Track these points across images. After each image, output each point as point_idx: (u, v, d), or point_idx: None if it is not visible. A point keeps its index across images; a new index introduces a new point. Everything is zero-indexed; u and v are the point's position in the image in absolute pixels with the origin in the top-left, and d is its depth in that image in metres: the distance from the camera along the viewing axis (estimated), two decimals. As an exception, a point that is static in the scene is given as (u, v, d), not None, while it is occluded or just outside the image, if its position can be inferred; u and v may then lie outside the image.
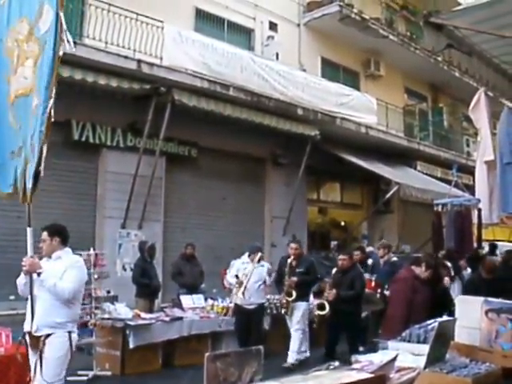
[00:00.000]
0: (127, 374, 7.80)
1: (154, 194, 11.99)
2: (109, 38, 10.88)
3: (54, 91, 4.15)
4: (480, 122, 7.82)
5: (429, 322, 4.12)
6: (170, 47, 11.63)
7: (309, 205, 16.37)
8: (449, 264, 9.48)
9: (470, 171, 13.69)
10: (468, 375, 3.47)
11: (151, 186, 11.78)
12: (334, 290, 7.56)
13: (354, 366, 3.46)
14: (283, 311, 8.61)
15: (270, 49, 15.31)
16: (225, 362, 2.77)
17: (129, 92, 11.05)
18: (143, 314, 8.56)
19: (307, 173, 15.08)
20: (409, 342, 4.06)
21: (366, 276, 8.59)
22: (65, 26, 4.23)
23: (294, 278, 8.28)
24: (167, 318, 8.49)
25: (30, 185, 4.38)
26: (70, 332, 4.72)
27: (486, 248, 12.97)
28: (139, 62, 10.83)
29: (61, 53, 4.21)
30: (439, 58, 18.81)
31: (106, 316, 8.09)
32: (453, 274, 9.20)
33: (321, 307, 7.71)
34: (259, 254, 8.31)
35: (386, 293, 8.42)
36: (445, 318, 4.20)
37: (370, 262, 9.66)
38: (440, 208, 9.86)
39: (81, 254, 8.07)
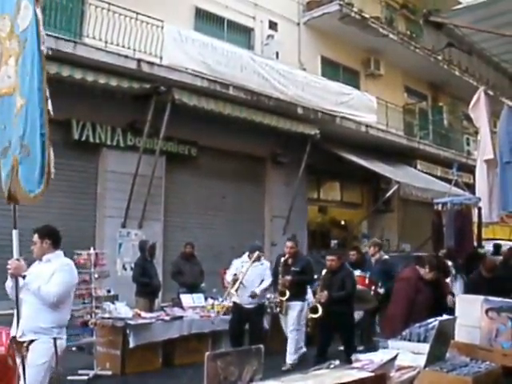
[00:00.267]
0: (127, 373, 7.81)
1: (154, 193, 11.99)
2: (109, 38, 10.88)
3: (47, 91, 4.08)
4: (480, 121, 7.82)
5: (429, 320, 4.12)
6: (169, 46, 11.63)
7: (309, 204, 16.38)
8: (450, 263, 9.48)
9: (471, 170, 13.71)
10: (468, 374, 3.47)
11: (151, 186, 11.78)
12: (326, 292, 7.40)
13: (355, 364, 3.46)
14: (278, 310, 8.57)
15: (269, 48, 15.30)
16: (225, 361, 2.77)
17: (129, 91, 11.05)
18: (143, 314, 8.57)
19: (307, 172, 15.09)
20: (409, 340, 4.06)
21: (357, 273, 8.44)
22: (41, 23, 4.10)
23: (288, 277, 8.22)
24: (167, 318, 8.50)
25: (27, 187, 4.27)
26: (55, 338, 4.55)
27: (487, 247, 12.95)
28: (139, 61, 10.83)
29: (45, 50, 4.08)
30: (439, 57, 18.79)
31: (107, 315, 8.09)
32: (454, 272, 9.19)
33: (313, 310, 7.62)
34: (256, 253, 8.23)
35: (380, 291, 8.39)
36: (445, 316, 4.20)
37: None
38: (440, 207, 9.86)
39: (81, 254, 8.16)
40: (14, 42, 4.25)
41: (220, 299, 9.53)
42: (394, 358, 3.40)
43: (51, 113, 4.10)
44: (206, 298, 9.75)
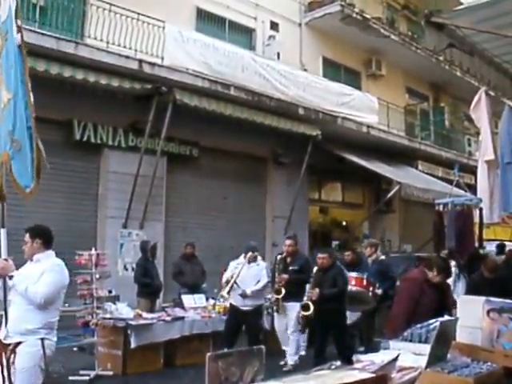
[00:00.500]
0: (129, 373, 7.81)
1: (155, 193, 12.00)
2: (110, 38, 10.89)
3: (29, 84, 4.02)
4: (481, 122, 7.81)
5: (430, 321, 4.12)
6: (171, 47, 11.64)
7: (310, 204, 16.38)
8: (453, 262, 9.47)
9: (472, 171, 13.71)
10: (469, 375, 3.47)
11: (152, 186, 11.79)
12: (317, 290, 7.39)
13: (356, 365, 3.46)
14: (274, 309, 8.47)
15: (271, 48, 15.31)
16: (226, 362, 2.77)
17: (130, 92, 11.06)
18: (145, 314, 8.57)
19: (308, 172, 15.08)
20: (410, 341, 4.06)
21: (355, 274, 8.36)
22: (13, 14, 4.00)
23: (285, 276, 8.15)
24: (169, 318, 8.49)
25: (22, 183, 4.23)
26: (42, 339, 4.41)
27: (488, 248, 12.93)
28: (140, 61, 10.84)
29: (19, 41, 3.98)
30: (441, 58, 18.82)
31: (108, 316, 8.09)
32: (457, 272, 9.17)
33: (305, 308, 7.58)
34: (249, 254, 8.05)
35: (378, 291, 8.34)
36: (446, 317, 4.19)
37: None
38: (441, 207, 9.85)
39: (82, 254, 8.17)
40: None
41: (221, 300, 9.52)
42: (396, 359, 3.40)
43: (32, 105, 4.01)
44: (207, 299, 9.75)
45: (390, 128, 17.33)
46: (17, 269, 4.55)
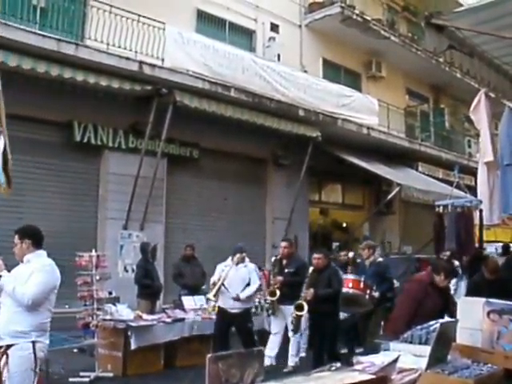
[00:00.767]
0: (129, 375, 7.81)
1: (155, 195, 12.00)
2: (110, 40, 10.89)
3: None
4: (480, 123, 7.80)
5: (430, 323, 4.12)
6: (171, 48, 11.65)
7: (310, 206, 16.38)
8: (457, 263, 9.47)
9: (472, 172, 13.68)
10: (470, 376, 3.47)
11: (153, 188, 11.79)
12: (312, 290, 7.34)
13: (356, 367, 3.46)
14: (269, 312, 8.35)
15: (271, 50, 15.33)
16: (226, 363, 2.77)
17: (130, 93, 11.07)
18: (145, 316, 8.57)
19: (309, 174, 15.09)
20: (410, 343, 4.06)
21: (352, 277, 8.27)
22: None
23: (280, 278, 8.08)
24: (169, 319, 8.49)
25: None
26: (33, 342, 4.35)
27: (488, 249, 12.92)
28: (141, 63, 10.85)
29: None
30: (440, 59, 18.80)
31: (108, 317, 8.09)
32: (460, 273, 9.16)
33: (299, 307, 7.45)
34: (237, 255, 7.95)
35: (375, 294, 8.26)
36: (446, 319, 4.20)
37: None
38: (441, 209, 9.85)
39: (82, 256, 8.17)
40: None
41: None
42: (396, 361, 3.41)
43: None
44: (207, 300, 9.72)
45: (390, 129, 17.33)
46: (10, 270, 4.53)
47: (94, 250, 8.42)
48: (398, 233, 18.13)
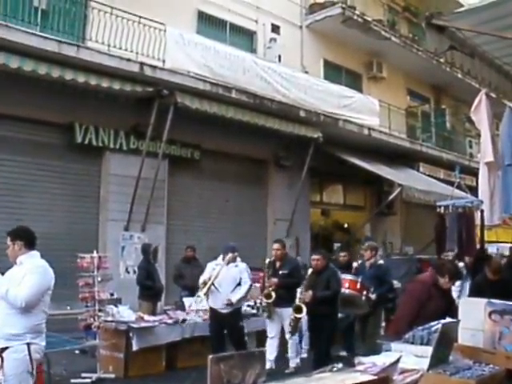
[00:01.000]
0: (131, 376, 7.81)
1: (156, 196, 12.01)
2: (111, 41, 10.91)
3: None
4: (481, 124, 7.79)
5: (432, 323, 4.12)
6: (172, 50, 11.66)
7: (312, 207, 16.37)
8: (461, 264, 9.44)
9: (473, 172, 13.67)
10: (471, 377, 3.47)
11: (154, 189, 11.79)
12: (311, 292, 7.26)
13: (358, 367, 3.46)
14: (265, 315, 8.25)
15: (272, 51, 15.33)
16: (228, 364, 2.77)
17: (131, 95, 11.07)
18: (146, 317, 8.57)
19: (310, 175, 15.09)
20: (412, 343, 4.06)
21: (349, 277, 8.13)
22: None
23: (275, 280, 7.97)
24: (170, 321, 8.49)
25: None
26: (28, 344, 4.33)
27: (490, 249, 12.90)
28: (142, 64, 10.85)
29: None
30: (441, 60, 18.80)
31: (110, 318, 8.10)
32: (465, 273, 9.13)
33: (297, 310, 7.36)
34: (229, 255, 7.81)
35: (372, 296, 8.21)
36: (448, 319, 4.19)
37: (354, 265, 9.19)
38: (442, 210, 9.83)
39: (84, 257, 8.17)
40: None
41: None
42: (397, 361, 3.40)
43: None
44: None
45: (391, 130, 17.33)
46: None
47: (95, 252, 8.43)
48: (400, 233, 18.13)
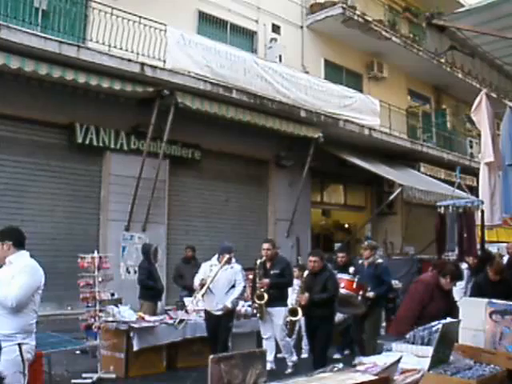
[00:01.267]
0: (131, 376, 7.82)
1: (157, 196, 12.01)
2: (112, 42, 10.90)
3: None
4: (482, 124, 7.79)
5: (433, 323, 4.12)
6: (173, 50, 11.65)
7: (312, 207, 16.37)
8: (465, 265, 9.42)
9: (474, 172, 13.68)
10: (472, 377, 3.47)
11: (155, 189, 11.80)
12: (307, 294, 7.14)
13: (358, 367, 3.46)
14: (257, 316, 8.18)
15: (272, 51, 15.34)
16: (229, 364, 2.77)
17: (132, 95, 11.08)
18: (147, 317, 8.57)
19: (311, 175, 15.09)
20: (413, 343, 4.06)
21: (346, 277, 8.05)
22: None
23: (266, 280, 7.90)
24: (171, 321, 8.49)
25: None
26: (19, 344, 4.33)
27: (490, 249, 12.88)
28: (142, 64, 10.85)
29: None
30: (442, 60, 18.80)
31: (110, 319, 8.10)
32: (469, 274, 9.10)
33: (293, 312, 7.29)
34: (226, 256, 7.74)
35: (370, 294, 8.14)
36: (449, 319, 4.19)
37: (351, 270, 8.88)
38: (443, 210, 9.82)
39: (85, 257, 8.18)
40: None
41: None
42: (398, 361, 3.40)
43: None
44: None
45: (391, 130, 17.33)
46: None
47: (96, 252, 8.44)
48: (400, 233, 18.12)
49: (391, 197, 15.95)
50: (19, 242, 4.62)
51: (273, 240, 8.87)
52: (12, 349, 4.28)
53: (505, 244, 14.08)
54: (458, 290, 8.56)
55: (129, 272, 11.55)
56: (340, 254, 9.44)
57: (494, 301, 4.23)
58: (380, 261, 8.70)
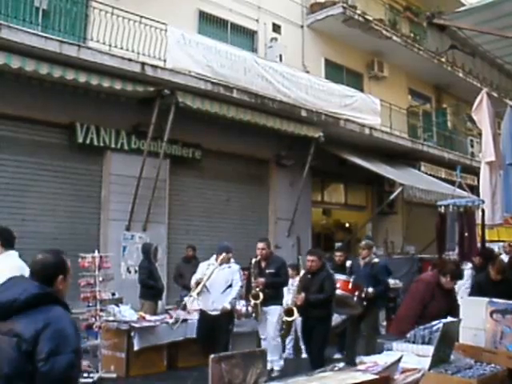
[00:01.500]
0: (132, 375, 7.83)
1: (158, 196, 12.01)
2: (113, 41, 10.90)
3: None
4: (483, 123, 7.79)
5: (433, 323, 4.12)
6: (173, 50, 11.65)
7: (313, 206, 16.36)
8: (469, 265, 9.41)
9: (475, 172, 13.69)
10: (473, 376, 3.47)
11: (155, 188, 11.80)
12: (303, 294, 7.08)
13: (359, 367, 3.46)
14: (252, 316, 8.09)
15: (273, 50, 15.33)
16: (229, 364, 2.78)
17: (133, 94, 11.07)
18: (148, 316, 8.58)
19: (311, 174, 15.08)
20: (413, 343, 4.06)
21: (343, 277, 7.89)
22: None
23: (262, 279, 7.79)
24: (172, 320, 8.50)
25: None
26: None
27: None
28: (143, 64, 10.85)
29: None
30: (443, 59, 18.81)
31: (111, 318, 8.11)
32: (474, 274, 9.08)
33: (288, 313, 7.24)
34: (223, 255, 7.68)
35: (369, 290, 8.07)
36: (449, 318, 4.19)
37: (348, 263, 8.93)
38: (443, 209, 9.82)
39: (85, 257, 8.19)
40: None
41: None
42: (399, 361, 3.41)
43: None
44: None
45: (392, 129, 17.33)
46: None
47: (96, 251, 8.45)
48: (401, 233, 18.11)
49: (392, 196, 15.94)
50: (7, 242, 4.59)
51: (268, 239, 8.79)
52: None
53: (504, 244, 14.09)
54: (464, 289, 8.58)
55: (129, 271, 11.55)
56: (338, 253, 9.37)
57: (495, 300, 4.24)
58: (376, 260, 8.60)
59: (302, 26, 16.82)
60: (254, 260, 8.01)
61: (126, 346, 7.90)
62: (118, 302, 8.69)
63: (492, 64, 7.23)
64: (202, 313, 7.91)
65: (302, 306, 7.12)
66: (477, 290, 6.90)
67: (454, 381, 3.41)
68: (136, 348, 7.83)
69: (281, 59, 15.08)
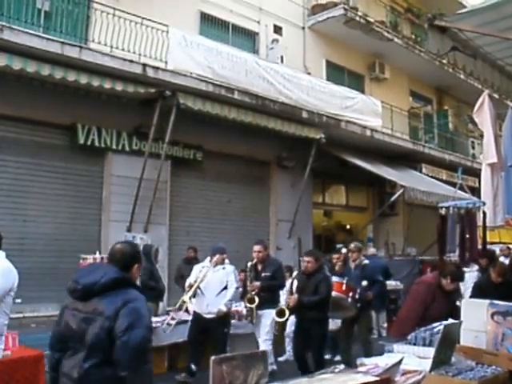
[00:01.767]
0: (133, 376, 7.79)
1: (159, 197, 12.01)
2: (114, 42, 10.91)
3: None
4: (484, 125, 7.79)
5: (434, 324, 4.12)
6: (174, 51, 11.66)
7: (314, 208, 16.36)
8: (475, 267, 9.40)
9: (476, 173, 13.67)
10: (474, 378, 3.47)
11: (156, 190, 11.80)
12: (296, 295, 6.97)
13: (360, 369, 3.46)
14: (248, 319, 7.99)
15: (274, 52, 15.34)
16: (231, 365, 2.78)
17: (134, 96, 11.08)
18: (149, 318, 8.56)
19: (312, 176, 15.08)
20: (414, 344, 4.06)
21: (336, 279, 7.74)
22: None
23: (257, 283, 7.71)
24: (173, 322, 8.49)
25: None
26: None
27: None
28: (144, 65, 10.86)
29: None
30: (444, 61, 18.78)
31: (112, 319, 8.08)
32: (480, 275, 9.08)
33: (280, 313, 7.10)
34: (217, 256, 7.64)
35: (368, 294, 8.02)
36: (450, 320, 4.19)
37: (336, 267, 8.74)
38: (444, 211, 9.82)
39: (86, 258, 8.19)
40: None
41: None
42: (400, 362, 3.41)
43: None
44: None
45: (393, 131, 17.32)
46: None
47: (97, 253, 8.45)
48: (402, 234, 18.11)
49: (393, 198, 15.94)
50: None
51: (264, 242, 8.70)
52: None
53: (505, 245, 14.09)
54: (469, 292, 8.55)
55: (130, 273, 11.52)
56: (335, 256, 9.35)
57: (496, 302, 4.23)
58: (366, 262, 8.54)
59: (303, 28, 16.84)
60: (249, 263, 7.91)
61: (127, 347, 7.88)
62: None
63: (493, 66, 7.23)
64: (196, 315, 7.81)
65: (294, 307, 7.02)
66: (478, 292, 6.90)
67: (455, 383, 3.41)
68: (137, 349, 7.80)
69: (282, 61, 15.09)
